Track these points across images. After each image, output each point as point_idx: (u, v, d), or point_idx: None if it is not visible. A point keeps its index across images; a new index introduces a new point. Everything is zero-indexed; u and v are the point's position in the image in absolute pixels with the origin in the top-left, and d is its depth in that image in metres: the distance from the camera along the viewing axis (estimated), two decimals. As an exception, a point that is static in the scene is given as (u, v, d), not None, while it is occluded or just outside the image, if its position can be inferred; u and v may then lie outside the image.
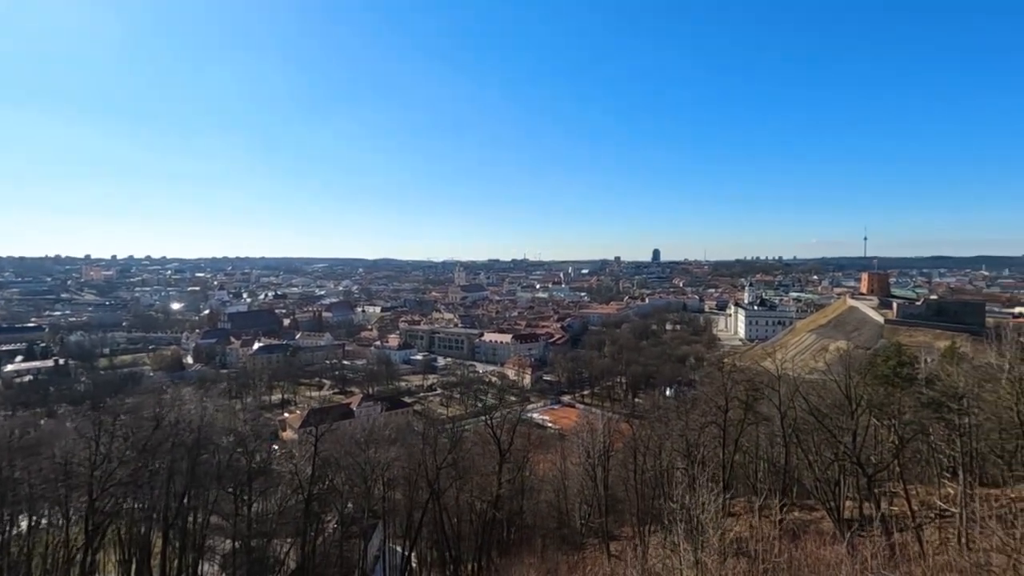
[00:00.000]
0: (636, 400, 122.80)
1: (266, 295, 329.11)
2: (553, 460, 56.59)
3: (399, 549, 43.93)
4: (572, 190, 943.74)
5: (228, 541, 40.13)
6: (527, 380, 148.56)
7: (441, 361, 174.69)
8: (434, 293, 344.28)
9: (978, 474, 30.70)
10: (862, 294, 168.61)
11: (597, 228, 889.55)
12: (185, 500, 37.70)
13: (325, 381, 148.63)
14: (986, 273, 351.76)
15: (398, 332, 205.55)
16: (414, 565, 43.13)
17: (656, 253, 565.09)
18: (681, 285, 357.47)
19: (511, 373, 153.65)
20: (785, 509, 35.09)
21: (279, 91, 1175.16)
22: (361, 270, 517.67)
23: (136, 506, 36.95)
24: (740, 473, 40.77)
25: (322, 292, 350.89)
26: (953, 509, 26.40)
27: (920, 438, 32.55)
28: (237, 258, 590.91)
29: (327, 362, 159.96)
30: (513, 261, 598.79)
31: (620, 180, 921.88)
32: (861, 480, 31.01)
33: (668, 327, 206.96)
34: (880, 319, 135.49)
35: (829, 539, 27.77)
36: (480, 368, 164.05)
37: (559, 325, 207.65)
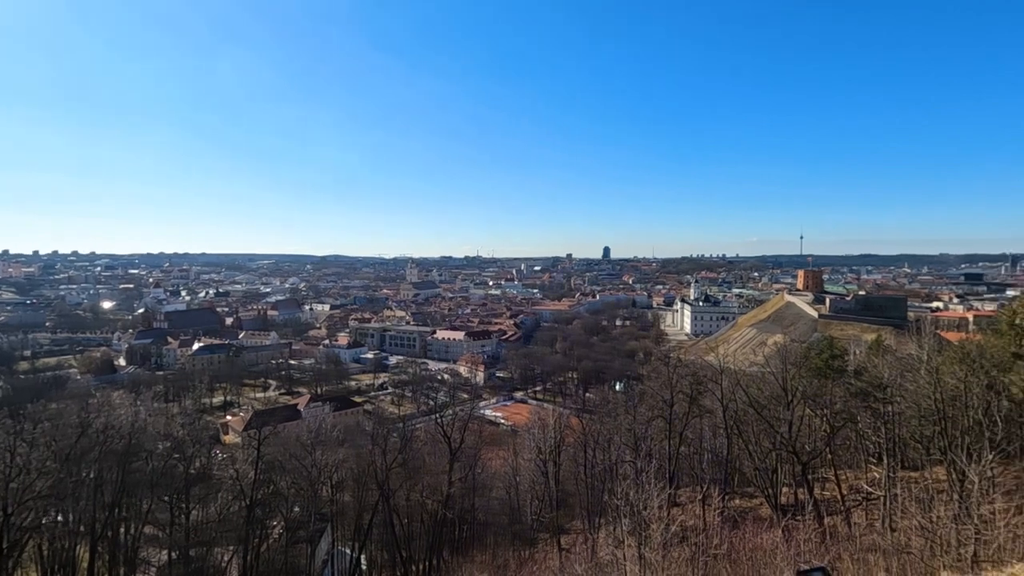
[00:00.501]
0: (587, 395, 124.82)
1: (207, 293, 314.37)
2: (505, 456, 56.80)
3: (348, 552, 42.99)
4: (525, 187, 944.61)
5: (164, 552, 38.12)
6: (480, 377, 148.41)
7: (393, 359, 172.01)
8: (385, 290, 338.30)
9: (900, 458, 32.93)
10: (798, 290, 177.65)
11: (549, 225, 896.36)
12: (116, 511, 35.51)
13: (271, 382, 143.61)
14: (908, 270, 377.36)
15: (348, 330, 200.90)
16: (364, 567, 42.31)
17: (607, 251, 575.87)
18: (630, 282, 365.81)
19: (464, 370, 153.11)
20: (727, 498, 36.51)
21: (222, 81, 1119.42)
22: (309, 266, 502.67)
23: (60, 519, 34.52)
24: (685, 464, 42.09)
25: (267, 289, 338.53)
26: (878, 492, 28.17)
27: (849, 426, 34.54)
28: (175, 254, 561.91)
29: (273, 362, 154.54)
30: (466, 258, 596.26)
31: (572, 178, 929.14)
32: (796, 467, 32.63)
33: (618, 323, 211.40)
34: (814, 314, 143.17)
35: (767, 525, 29.05)
36: (432, 366, 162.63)
37: (512, 322, 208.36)
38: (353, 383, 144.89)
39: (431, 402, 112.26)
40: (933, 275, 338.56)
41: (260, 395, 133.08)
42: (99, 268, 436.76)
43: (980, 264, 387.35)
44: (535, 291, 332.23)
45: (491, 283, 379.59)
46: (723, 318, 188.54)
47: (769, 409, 33.95)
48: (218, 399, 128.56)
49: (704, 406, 39.80)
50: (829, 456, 34.18)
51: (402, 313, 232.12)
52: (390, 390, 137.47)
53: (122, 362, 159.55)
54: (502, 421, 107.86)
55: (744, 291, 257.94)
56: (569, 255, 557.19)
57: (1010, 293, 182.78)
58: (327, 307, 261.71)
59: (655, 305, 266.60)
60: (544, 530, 42.51)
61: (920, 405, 29.79)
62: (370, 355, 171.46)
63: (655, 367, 54.54)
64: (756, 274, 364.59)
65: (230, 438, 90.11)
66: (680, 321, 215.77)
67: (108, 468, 35.25)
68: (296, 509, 41.33)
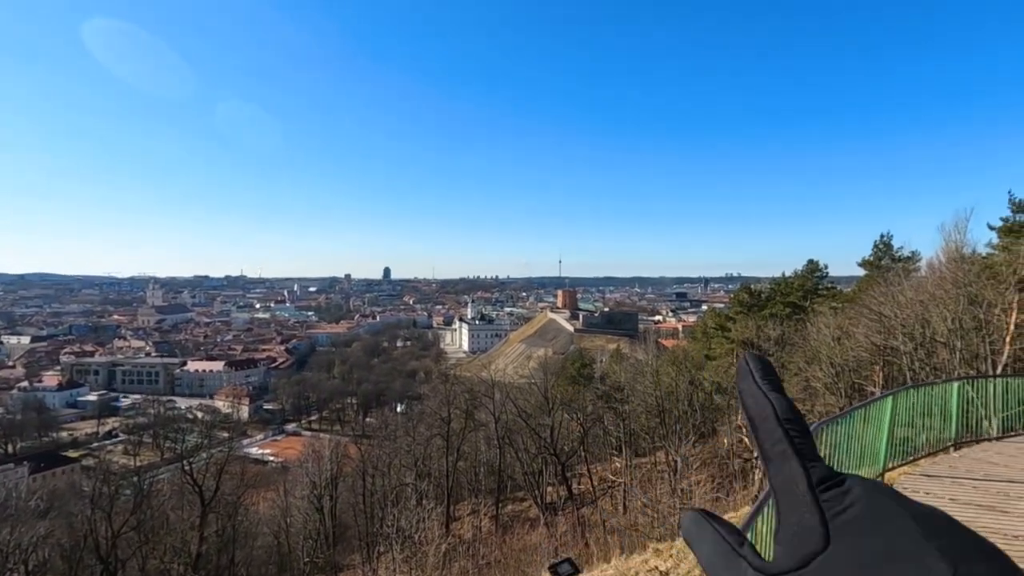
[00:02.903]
0: (367, 420, 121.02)
1: None
2: (274, 498, 51.45)
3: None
4: (297, 201, 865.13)
5: None
6: (244, 412, 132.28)
7: (127, 400, 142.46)
8: (117, 316, 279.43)
9: (635, 448, 39.40)
10: (558, 308, 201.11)
11: (326, 243, 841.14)
12: None
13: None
14: (638, 290, 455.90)
15: (60, 368, 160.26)
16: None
17: (387, 271, 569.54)
18: (411, 302, 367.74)
19: (223, 405, 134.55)
20: (501, 505, 39.01)
21: None
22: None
23: None
24: (464, 479, 43.62)
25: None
26: (619, 480, 33.18)
27: (598, 425, 40.14)
28: None
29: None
30: (227, 277, 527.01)
31: (350, 193, 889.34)
32: (558, 467, 36.57)
33: (399, 343, 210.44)
34: (571, 328, 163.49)
35: (535, 524, 31.80)
36: (183, 403, 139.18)
37: (283, 348, 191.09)
38: (66, 434, 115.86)
39: (178, 447, 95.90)
40: (655, 294, 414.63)
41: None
42: None
43: (685, 285, 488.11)
44: (310, 313, 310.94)
45: (258, 305, 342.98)
46: (497, 335, 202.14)
47: (534, 417, 37.42)
48: None
49: (479, 420, 41.97)
50: (583, 453, 39.09)
51: (141, 343, 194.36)
52: (122, 437, 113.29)
53: None
54: (271, 458, 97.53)
55: (515, 310, 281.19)
56: (348, 275, 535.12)
57: (704, 308, 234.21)
58: (27, 339, 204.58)
59: (435, 325, 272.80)
60: (320, 571, 39.46)
61: (647, 402, 36.15)
62: (93, 397, 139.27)
63: (434, 385, 55.68)
64: (524, 294, 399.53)
65: None
66: (459, 339, 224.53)
67: None
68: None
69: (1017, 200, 28.46)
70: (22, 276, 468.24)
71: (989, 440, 11.54)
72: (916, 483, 8.51)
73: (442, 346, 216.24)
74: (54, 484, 67.72)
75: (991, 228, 29.30)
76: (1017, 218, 28.39)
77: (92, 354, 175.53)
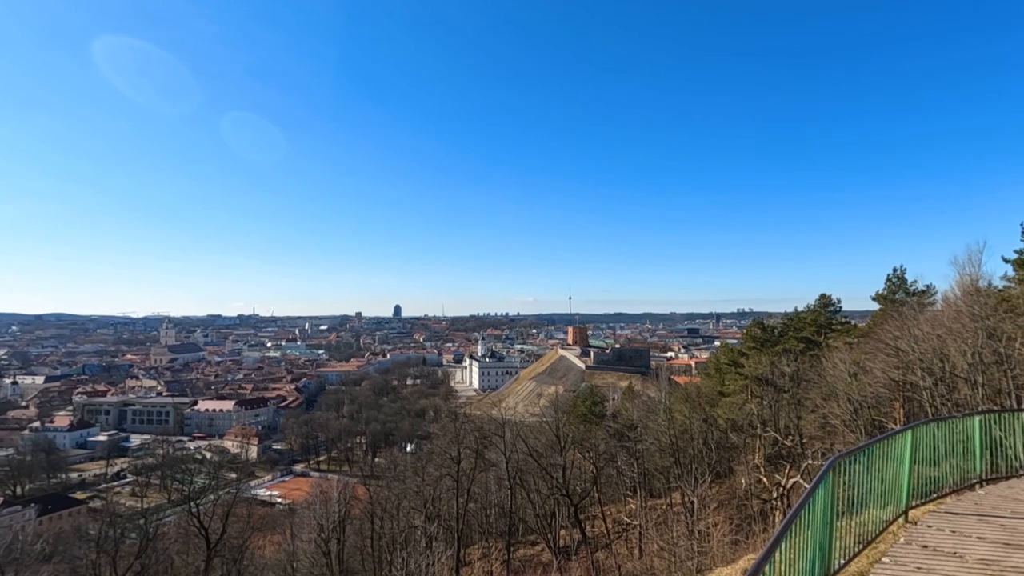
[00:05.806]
0: (376, 460, 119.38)
1: None
2: (280, 541, 50.45)
3: None
4: (309, 241, 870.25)
5: None
6: (253, 452, 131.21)
7: (136, 440, 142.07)
8: (130, 356, 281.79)
9: (649, 489, 38.34)
10: (569, 345, 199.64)
11: (337, 282, 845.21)
12: None
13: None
14: (649, 326, 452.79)
15: (71, 407, 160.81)
16: None
17: (397, 309, 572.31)
18: (421, 340, 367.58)
19: (232, 445, 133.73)
20: (512, 549, 37.85)
21: None
22: (15, 328, 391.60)
23: None
24: (474, 521, 42.52)
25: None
26: (634, 522, 32.19)
27: (611, 464, 39.22)
28: None
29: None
30: (240, 317, 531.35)
31: (361, 234, 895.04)
32: (571, 509, 35.59)
33: (408, 382, 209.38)
34: (582, 365, 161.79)
35: (547, 568, 30.77)
36: (192, 444, 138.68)
37: (293, 386, 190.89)
38: (75, 475, 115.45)
39: (185, 488, 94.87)
40: (667, 330, 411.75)
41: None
42: None
43: (696, 321, 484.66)
44: (321, 352, 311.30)
45: (269, 344, 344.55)
46: (507, 372, 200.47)
47: (546, 456, 36.71)
48: None
49: (490, 459, 41.21)
50: (596, 494, 38.09)
51: (152, 382, 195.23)
52: (130, 479, 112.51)
53: None
54: (278, 500, 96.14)
55: (525, 347, 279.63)
56: (358, 313, 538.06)
57: (716, 343, 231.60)
58: (41, 379, 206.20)
59: (445, 362, 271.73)
60: (325, 620, 38.18)
61: (661, 440, 35.34)
62: (103, 437, 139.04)
63: (443, 424, 54.99)
64: (534, 331, 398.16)
65: None
66: (469, 377, 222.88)
67: None
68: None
69: (1030, 232, 28.16)
70: (39, 316, 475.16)
71: (1017, 477, 11.13)
72: (941, 521, 8.18)
73: (452, 384, 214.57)
74: (60, 526, 67.07)
75: (1006, 261, 28.89)
76: (1031, 250, 28.02)
77: (104, 393, 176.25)
